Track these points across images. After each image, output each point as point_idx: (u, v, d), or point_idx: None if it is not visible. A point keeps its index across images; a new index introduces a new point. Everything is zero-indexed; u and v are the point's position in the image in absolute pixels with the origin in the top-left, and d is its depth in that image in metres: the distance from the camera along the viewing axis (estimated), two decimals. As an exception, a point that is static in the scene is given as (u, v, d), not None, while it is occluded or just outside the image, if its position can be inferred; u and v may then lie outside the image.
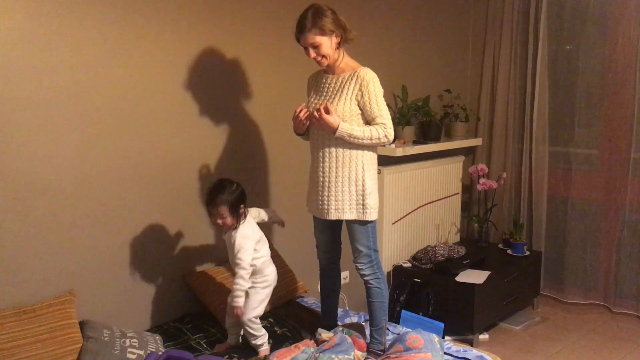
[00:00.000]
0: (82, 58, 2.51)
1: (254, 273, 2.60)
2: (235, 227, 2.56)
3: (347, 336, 2.60)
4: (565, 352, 3.60)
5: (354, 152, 2.58)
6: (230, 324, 2.69)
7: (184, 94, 2.89)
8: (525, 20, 4.33)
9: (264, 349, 2.63)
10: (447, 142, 4.20)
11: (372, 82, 2.56)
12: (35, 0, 2.36)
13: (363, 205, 2.59)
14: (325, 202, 2.63)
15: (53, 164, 2.47)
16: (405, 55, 4.08)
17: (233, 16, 3.03)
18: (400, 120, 3.94)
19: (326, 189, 2.62)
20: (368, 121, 2.59)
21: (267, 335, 2.67)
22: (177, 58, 2.84)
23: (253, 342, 2.63)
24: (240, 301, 2.50)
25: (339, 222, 2.75)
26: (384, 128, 2.56)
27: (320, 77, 2.70)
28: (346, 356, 2.44)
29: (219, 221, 2.55)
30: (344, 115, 2.56)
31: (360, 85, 2.55)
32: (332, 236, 2.80)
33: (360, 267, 2.68)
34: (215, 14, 2.95)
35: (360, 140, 2.53)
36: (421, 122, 4.10)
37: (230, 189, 2.56)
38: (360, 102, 2.56)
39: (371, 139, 2.54)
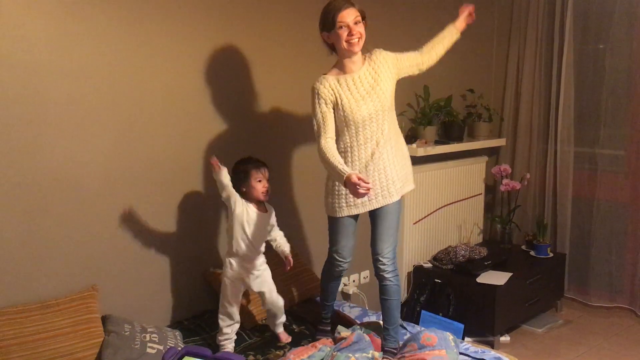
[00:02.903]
0: (109, 60, 2.56)
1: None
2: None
3: (364, 335, 2.60)
4: (588, 355, 3.55)
5: (394, 127, 2.67)
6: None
7: (208, 97, 2.93)
8: (550, 19, 4.27)
9: (283, 329, 2.78)
10: (470, 142, 4.17)
11: (386, 54, 2.64)
12: (64, 3, 2.42)
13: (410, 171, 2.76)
14: (386, 186, 2.60)
15: (79, 162, 2.52)
16: (428, 55, 4.05)
17: (252, 17, 3.06)
18: (422, 120, 3.93)
19: (389, 170, 2.61)
20: (415, 63, 2.71)
21: None
22: (202, 61, 2.88)
23: (280, 320, 2.77)
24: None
25: (356, 224, 2.74)
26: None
27: (344, 80, 2.55)
28: (364, 354, 2.44)
29: (266, 184, 2.67)
30: (390, 101, 2.61)
31: (386, 62, 2.60)
32: (354, 239, 2.75)
33: (385, 263, 2.59)
34: (234, 17, 2.99)
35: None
36: (443, 122, 4.08)
37: None
38: (398, 67, 2.64)
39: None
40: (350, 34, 2.47)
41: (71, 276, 2.54)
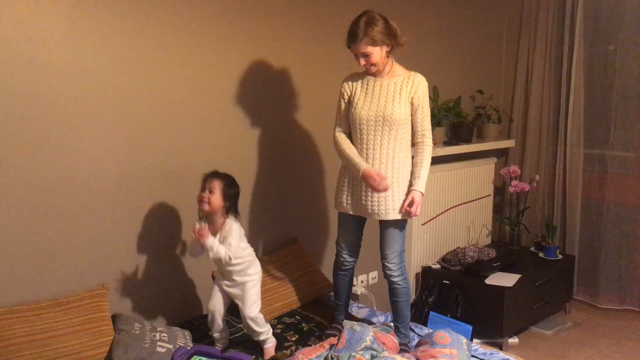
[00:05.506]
0: (123, 60, 2.58)
1: (248, 267, 2.59)
2: (218, 212, 2.51)
3: (353, 327, 2.56)
4: (597, 358, 3.54)
5: (403, 154, 2.64)
6: (217, 331, 2.65)
7: (222, 99, 2.94)
8: (560, 20, 4.26)
9: (270, 346, 2.64)
10: (479, 144, 4.16)
11: (425, 90, 2.63)
12: (79, 4, 2.43)
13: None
14: (383, 203, 2.62)
15: (91, 161, 2.54)
16: (437, 56, 4.05)
17: (278, 24, 3.08)
18: (430, 121, 3.92)
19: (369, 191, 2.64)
20: (413, 129, 2.67)
21: (271, 329, 2.67)
22: (217, 64, 2.89)
23: (258, 338, 2.63)
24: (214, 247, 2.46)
25: (364, 222, 2.79)
26: (429, 145, 2.67)
27: (367, 81, 2.66)
28: (364, 344, 2.43)
29: (205, 195, 2.47)
30: (400, 119, 2.59)
31: (417, 90, 2.61)
32: (359, 236, 2.83)
33: (391, 268, 2.68)
34: (260, 22, 3.00)
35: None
36: (452, 123, 4.07)
37: (231, 179, 2.56)
38: (413, 107, 2.62)
39: (429, 162, 2.68)
40: (360, 62, 2.58)
41: (81, 274, 2.56)
